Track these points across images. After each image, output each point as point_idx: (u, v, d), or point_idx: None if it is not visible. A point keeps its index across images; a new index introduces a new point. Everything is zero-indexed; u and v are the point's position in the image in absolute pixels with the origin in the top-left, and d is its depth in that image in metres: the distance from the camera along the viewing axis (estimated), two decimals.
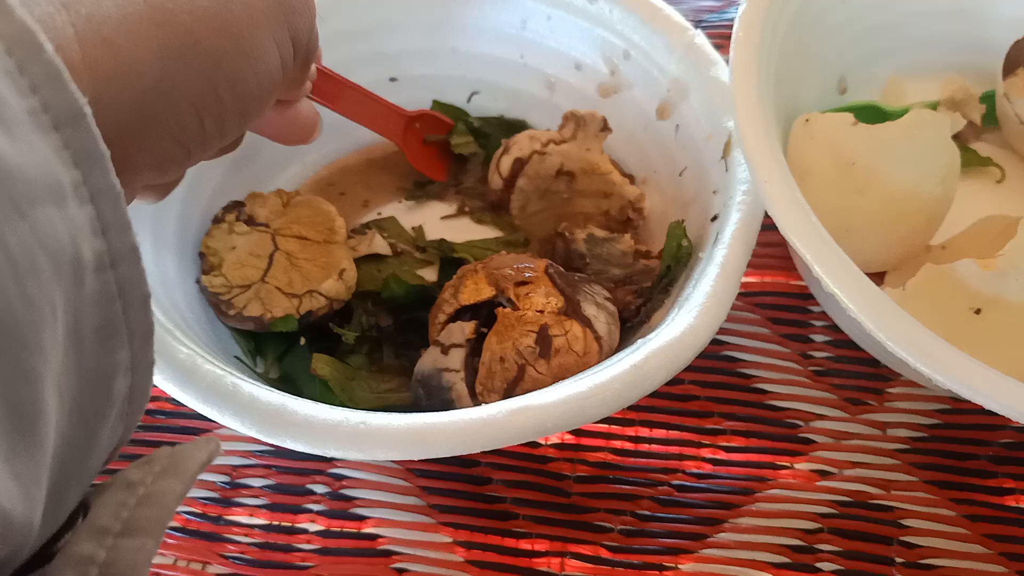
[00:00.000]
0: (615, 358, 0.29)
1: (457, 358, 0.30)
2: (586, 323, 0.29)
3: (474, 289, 0.30)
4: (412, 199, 0.41)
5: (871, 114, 0.41)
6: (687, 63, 0.35)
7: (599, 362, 0.30)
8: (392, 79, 0.41)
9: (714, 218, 0.32)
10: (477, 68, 0.41)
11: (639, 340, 0.28)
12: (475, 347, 0.30)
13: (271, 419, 0.26)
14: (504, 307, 0.30)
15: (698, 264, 0.31)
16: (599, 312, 0.30)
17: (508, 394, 0.29)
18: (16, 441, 0.14)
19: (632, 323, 0.33)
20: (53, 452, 0.15)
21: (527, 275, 0.30)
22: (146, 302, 0.17)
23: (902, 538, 0.34)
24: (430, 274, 0.37)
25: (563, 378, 0.29)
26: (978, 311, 0.32)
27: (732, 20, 0.46)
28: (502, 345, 0.29)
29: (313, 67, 0.31)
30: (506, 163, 0.38)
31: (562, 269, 0.31)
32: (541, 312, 0.29)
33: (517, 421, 0.26)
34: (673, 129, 0.36)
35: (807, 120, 0.35)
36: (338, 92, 0.36)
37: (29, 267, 0.14)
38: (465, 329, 0.30)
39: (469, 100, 0.42)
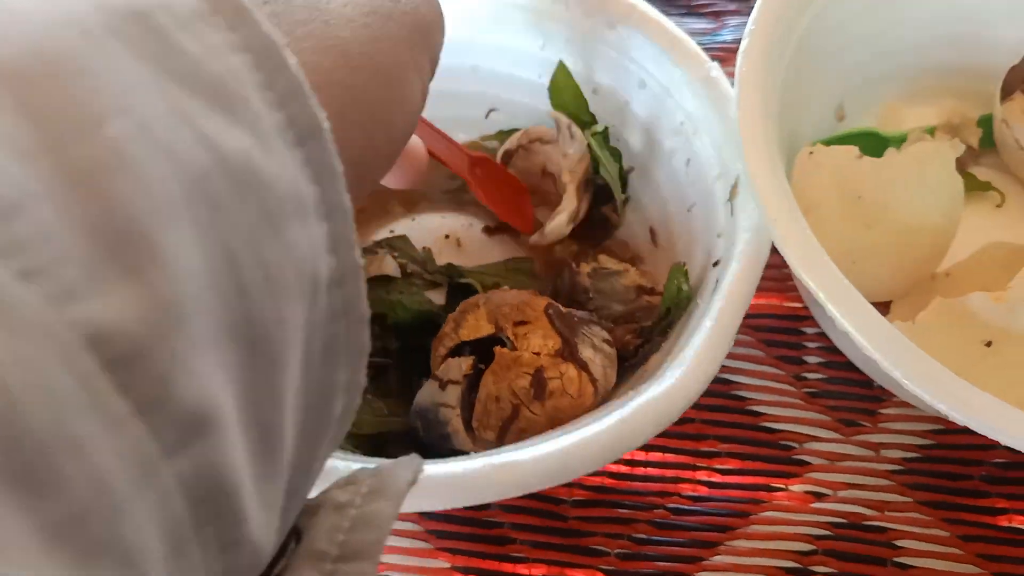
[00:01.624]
0: (604, 410, 0.29)
1: (454, 395, 0.30)
2: (582, 366, 0.30)
3: (474, 325, 0.30)
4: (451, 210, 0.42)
5: (870, 140, 0.41)
6: (701, 97, 0.34)
7: (594, 403, 0.30)
8: None
9: (716, 263, 0.32)
10: (496, 85, 0.41)
11: (630, 392, 0.28)
12: (473, 382, 0.30)
13: None
14: (503, 346, 0.30)
15: (696, 311, 0.31)
16: (596, 355, 0.30)
17: (503, 432, 0.29)
18: (265, 467, 0.14)
19: (630, 363, 0.33)
20: (287, 480, 0.15)
21: (526, 315, 0.30)
22: (365, 320, 0.16)
23: (896, 559, 0.34)
24: (439, 296, 0.38)
25: (557, 418, 0.29)
26: (989, 344, 0.33)
27: (724, 42, 0.47)
28: (498, 385, 0.29)
29: None
30: (499, 153, 0.40)
31: (562, 309, 0.32)
32: (537, 354, 0.29)
33: (501, 477, 0.26)
34: (684, 163, 0.36)
35: (811, 152, 0.35)
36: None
37: (281, 282, 0.14)
38: (463, 365, 0.30)
39: (487, 116, 0.42)
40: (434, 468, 0.26)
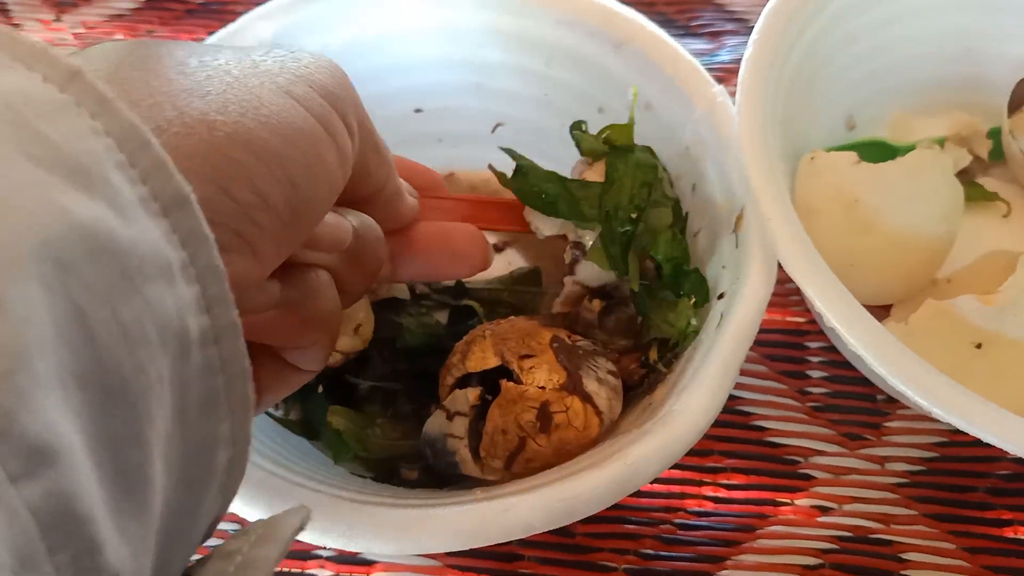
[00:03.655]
0: (609, 446, 0.29)
1: (461, 426, 0.30)
2: (587, 399, 0.30)
3: (481, 357, 0.31)
4: None
5: (879, 150, 0.41)
6: (707, 122, 0.34)
7: (600, 435, 0.30)
8: (417, 110, 0.41)
9: (720, 296, 0.32)
10: (501, 102, 0.41)
11: (635, 431, 0.29)
12: (480, 411, 0.31)
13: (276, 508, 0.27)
14: (509, 378, 0.31)
15: (701, 345, 0.31)
16: (600, 387, 0.31)
17: (510, 463, 0.30)
18: (124, 503, 0.15)
19: (636, 392, 0.33)
20: (160, 521, 0.16)
21: (532, 348, 0.31)
22: (245, 375, 0.18)
23: (903, 572, 0.35)
24: (446, 318, 0.38)
25: (564, 450, 0.30)
26: (979, 346, 0.33)
27: (723, 63, 0.47)
28: (504, 418, 0.30)
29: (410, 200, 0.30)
30: None
31: (567, 341, 0.32)
32: (543, 388, 0.30)
33: (504, 521, 0.26)
34: (690, 188, 0.36)
35: (812, 158, 0.36)
36: (452, 208, 0.34)
37: (139, 336, 0.15)
38: (469, 397, 0.30)
39: (493, 131, 0.42)
40: (438, 511, 0.27)
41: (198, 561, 0.18)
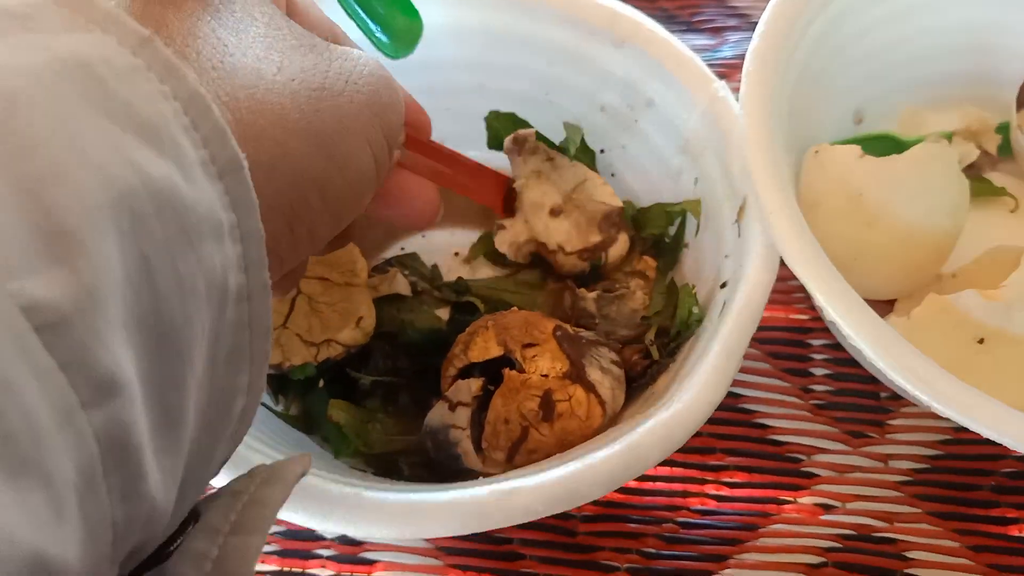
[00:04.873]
0: (611, 433, 0.29)
1: (463, 416, 0.30)
2: (590, 388, 0.30)
3: (483, 347, 0.31)
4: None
5: (887, 144, 0.41)
6: (708, 117, 0.34)
7: (603, 424, 0.30)
8: None
9: (723, 285, 0.32)
10: (504, 103, 0.41)
11: (638, 417, 0.29)
12: (482, 403, 0.31)
13: None
14: (512, 366, 0.31)
15: (704, 333, 0.31)
16: (604, 377, 0.31)
17: (512, 453, 0.30)
18: (164, 440, 0.16)
19: (638, 383, 0.33)
20: (186, 460, 0.17)
21: (535, 337, 0.31)
22: (268, 333, 0.19)
23: (906, 570, 0.34)
24: (448, 314, 0.38)
25: (566, 440, 0.30)
26: (981, 341, 0.33)
27: (726, 58, 0.47)
28: (507, 407, 0.30)
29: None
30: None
31: (570, 331, 0.32)
32: (546, 376, 0.30)
33: (507, 504, 0.26)
34: (692, 182, 0.36)
35: (816, 152, 0.36)
36: (432, 160, 0.33)
37: (192, 289, 0.16)
38: (472, 387, 0.30)
39: None
40: (441, 495, 0.27)
41: (206, 498, 0.19)
